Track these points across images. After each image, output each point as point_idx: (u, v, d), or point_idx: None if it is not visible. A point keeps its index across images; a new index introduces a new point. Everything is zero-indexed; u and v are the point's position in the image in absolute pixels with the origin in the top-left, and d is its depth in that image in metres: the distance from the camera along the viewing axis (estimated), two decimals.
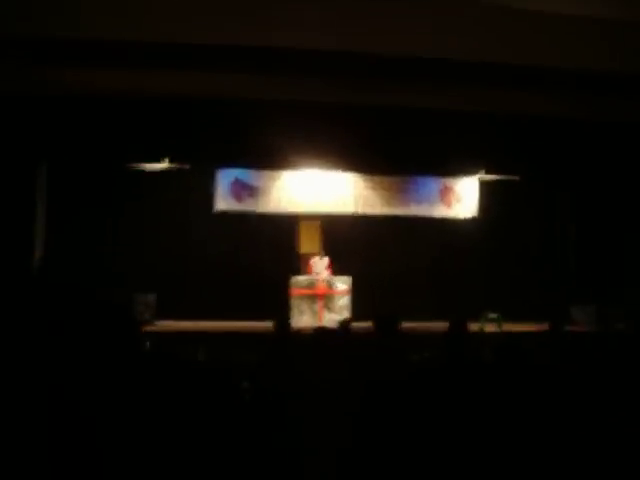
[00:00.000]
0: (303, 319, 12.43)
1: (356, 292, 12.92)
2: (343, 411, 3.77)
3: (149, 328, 11.59)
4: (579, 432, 3.75)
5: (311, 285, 12.84)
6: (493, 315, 12.17)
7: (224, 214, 13.62)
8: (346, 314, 12.75)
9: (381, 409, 3.78)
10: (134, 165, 13.19)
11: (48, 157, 12.82)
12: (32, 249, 12.59)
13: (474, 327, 7.93)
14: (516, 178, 14.22)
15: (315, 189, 13.81)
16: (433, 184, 14.31)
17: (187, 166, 13.29)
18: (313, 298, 12.80)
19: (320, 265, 13.04)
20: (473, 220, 14.36)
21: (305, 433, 3.72)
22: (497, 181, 14.30)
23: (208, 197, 13.50)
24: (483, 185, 14.35)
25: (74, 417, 2.89)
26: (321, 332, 5.12)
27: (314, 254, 13.39)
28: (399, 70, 10.40)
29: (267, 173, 13.72)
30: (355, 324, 11.66)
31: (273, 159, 13.02)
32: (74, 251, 12.88)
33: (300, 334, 7.21)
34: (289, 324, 6.14)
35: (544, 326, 8.46)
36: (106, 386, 3.03)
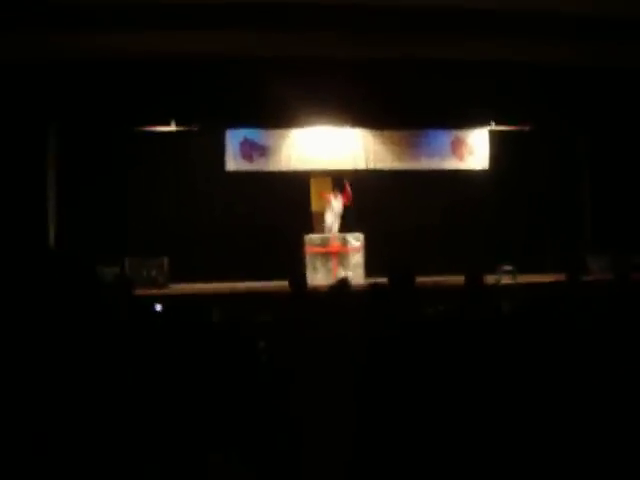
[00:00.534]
0: (317, 277, 12.43)
1: (369, 248, 12.89)
2: (358, 367, 3.75)
3: (163, 291, 11.65)
4: (599, 384, 3.72)
5: (325, 243, 12.83)
6: (508, 267, 12.12)
7: (235, 174, 13.56)
8: (360, 271, 12.75)
9: (396, 363, 3.75)
10: (143, 127, 13.12)
11: (58, 121, 12.79)
12: (45, 212, 12.62)
13: (489, 280, 7.87)
14: (527, 128, 14.06)
15: (325, 146, 13.69)
16: (444, 137, 14.17)
17: (196, 127, 13.21)
18: (327, 256, 12.80)
19: (337, 201, 13.06)
20: (485, 172, 14.24)
21: (320, 392, 3.70)
22: (508, 131, 14.14)
23: (218, 158, 13.42)
24: (494, 136, 14.20)
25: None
26: (334, 289, 5.11)
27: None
28: (407, 21, 10.23)
29: (277, 132, 13.61)
30: (368, 280, 11.65)
31: (282, 117, 12.89)
32: (85, 214, 12.91)
33: (315, 292, 7.19)
34: (305, 282, 6.11)
35: (560, 277, 8.43)
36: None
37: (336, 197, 13.14)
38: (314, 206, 13.82)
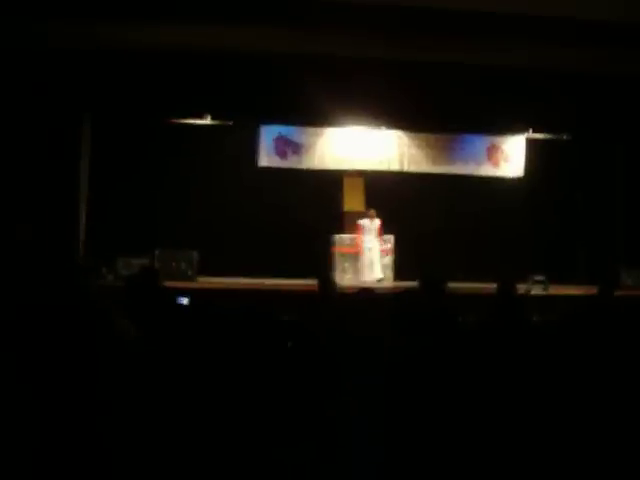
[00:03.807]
0: (345, 277, 12.36)
1: (399, 251, 12.80)
2: (389, 372, 3.69)
3: (190, 285, 11.64)
4: (627, 403, 3.64)
5: (354, 244, 12.76)
6: (540, 277, 11.95)
7: (267, 170, 13.49)
8: (389, 273, 12.67)
9: (428, 372, 3.69)
10: (178, 120, 13.15)
11: (93, 110, 12.84)
12: (76, 200, 12.69)
13: (520, 289, 7.77)
14: (564, 136, 13.90)
15: (360, 146, 13.57)
16: (480, 142, 14.02)
17: (230, 122, 13.21)
18: (356, 257, 12.73)
19: (370, 227, 12.79)
20: (520, 179, 14.08)
21: (350, 394, 3.65)
22: (544, 140, 14.00)
23: (251, 153, 13.39)
24: (530, 144, 14.04)
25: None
26: (365, 293, 5.04)
27: (359, 212, 13.22)
28: (449, 25, 10.16)
29: (311, 129, 13.53)
30: (397, 283, 11.59)
31: (317, 115, 12.82)
32: (117, 204, 12.97)
33: (344, 294, 7.13)
34: (334, 283, 6.05)
35: (592, 289, 8.29)
36: None
37: (372, 220, 12.83)
38: (346, 205, 13.73)
